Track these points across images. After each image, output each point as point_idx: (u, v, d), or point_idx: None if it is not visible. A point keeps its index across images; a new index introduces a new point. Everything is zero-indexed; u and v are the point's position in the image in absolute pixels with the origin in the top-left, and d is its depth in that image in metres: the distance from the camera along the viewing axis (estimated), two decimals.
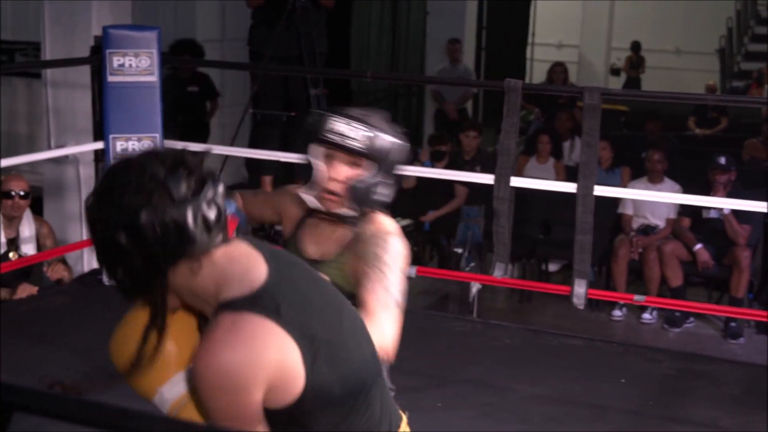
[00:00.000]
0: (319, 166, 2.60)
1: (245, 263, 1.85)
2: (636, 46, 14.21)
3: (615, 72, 14.99)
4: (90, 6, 6.17)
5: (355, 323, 2.00)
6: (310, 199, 2.62)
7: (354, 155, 2.55)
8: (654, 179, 7.01)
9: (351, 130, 2.53)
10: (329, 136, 2.55)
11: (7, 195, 5.74)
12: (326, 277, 2.09)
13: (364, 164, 2.56)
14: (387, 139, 2.55)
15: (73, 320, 5.36)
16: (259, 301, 1.79)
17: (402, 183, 2.85)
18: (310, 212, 2.69)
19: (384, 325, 2.49)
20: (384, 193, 2.60)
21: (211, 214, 1.80)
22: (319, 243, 2.69)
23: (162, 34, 5.87)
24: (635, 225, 7.08)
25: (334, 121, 2.56)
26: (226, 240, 1.85)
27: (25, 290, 5.64)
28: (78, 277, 6.05)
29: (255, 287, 1.81)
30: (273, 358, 1.77)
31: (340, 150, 2.56)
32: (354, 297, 2.40)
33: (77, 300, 5.70)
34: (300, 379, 1.80)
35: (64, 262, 6.02)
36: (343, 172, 2.57)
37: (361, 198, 2.58)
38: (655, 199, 6.52)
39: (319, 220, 2.69)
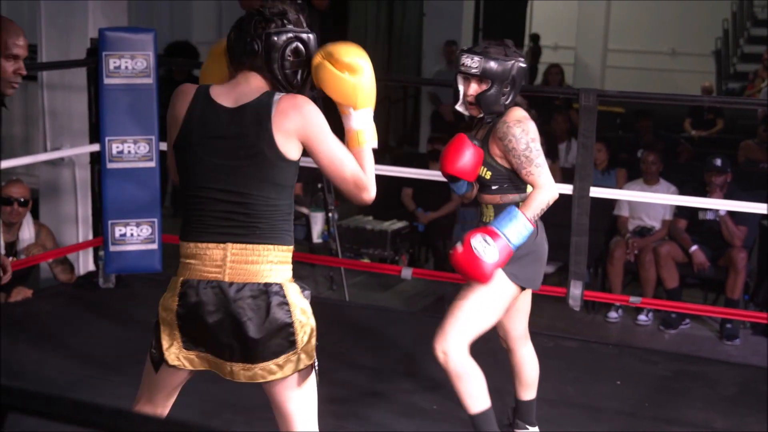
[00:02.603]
0: (460, 87, 3.59)
1: None
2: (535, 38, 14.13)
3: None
4: (86, 8, 6.17)
5: None
6: (464, 110, 3.63)
7: (471, 77, 3.55)
8: (649, 181, 7.02)
9: (469, 60, 3.54)
10: (460, 67, 3.57)
11: (7, 201, 5.75)
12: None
13: (484, 82, 3.53)
14: (494, 63, 3.52)
15: (68, 323, 5.36)
16: None
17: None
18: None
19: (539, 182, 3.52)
20: (504, 100, 3.55)
21: None
22: (476, 136, 3.67)
23: (158, 36, 5.87)
24: (631, 227, 7.09)
25: (461, 56, 3.58)
26: None
27: (20, 293, 5.64)
28: (75, 280, 6.05)
29: None
30: None
31: (466, 75, 3.56)
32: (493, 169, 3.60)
33: (73, 302, 5.70)
34: None
35: (69, 262, 6.03)
36: (471, 88, 3.58)
37: (486, 104, 3.55)
38: (651, 200, 6.53)
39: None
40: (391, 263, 7.47)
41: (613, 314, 6.84)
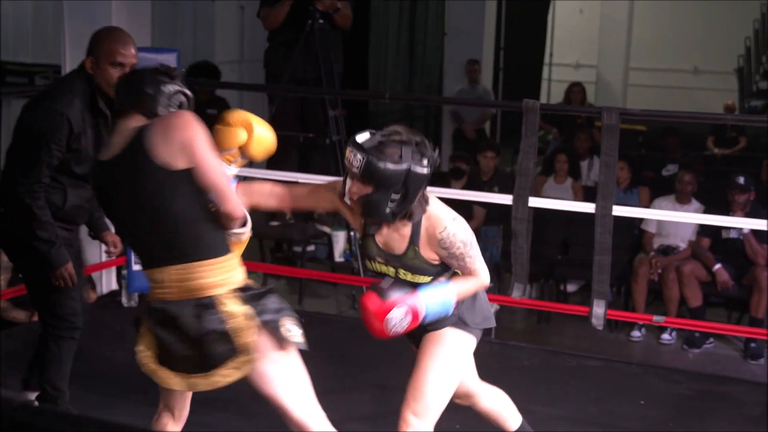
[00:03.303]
0: (347, 180, 3.15)
1: None
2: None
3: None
4: None
5: None
6: (351, 204, 3.20)
7: (356, 177, 3.10)
8: (682, 200, 6.98)
9: (352, 156, 3.07)
10: (346, 161, 3.12)
11: None
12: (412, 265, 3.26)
13: (367, 185, 3.09)
14: (380, 166, 3.03)
15: (91, 341, 5.37)
16: None
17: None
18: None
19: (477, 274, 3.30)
20: (394, 208, 3.12)
21: None
22: (388, 241, 3.29)
23: (181, 57, 5.91)
24: (655, 245, 7.05)
25: (348, 146, 3.11)
26: None
27: None
28: (97, 299, 6.07)
29: None
30: None
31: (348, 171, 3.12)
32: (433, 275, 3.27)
33: (96, 321, 5.72)
34: None
35: (90, 282, 6.05)
36: (354, 186, 3.13)
37: (369, 210, 3.15)
38: (676, 219, 6.49)
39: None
40: None
41: (636, 333, 6.80)
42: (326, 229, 7.28)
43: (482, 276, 3.32)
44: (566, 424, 4.55)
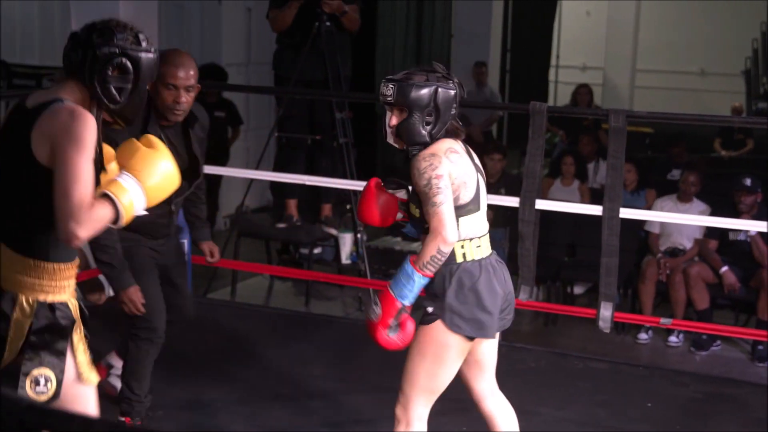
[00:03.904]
0: (386, 118, 3.35)
1: None
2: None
3: None
4: None
5: None
6: (392, 142, 3.39)
7: (389, 106, 3.31)
8: (683, 198, 6.98)
9: (384, 88, 3.30)
10: (380, 96, 3.33)
11: None
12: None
13: (402, 111, 3.29)
14: (410, 89, 3.26)
15: (101, 341, 5.37)
16: None
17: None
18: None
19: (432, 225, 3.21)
20: (430, 130, 3.31)
21: None
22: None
23: None
24: (663, 246, 7.04)
25: (381, 84, 3.33)
26: None
27: None
28: (107, 300, 6.06)
29: None
30: None
31: (384, 104, 3.34)
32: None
33: (106, 321, 5.72)
34: None
35: (99, 284, 6.04)
36: (392, 119, 3.32)
37: (406, 135, 3.32)
38: (682, 221, 6.48)
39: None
40: None
41: (643, 335, 6.79)
42: (333, 232, 7.28)
43: (436, 231, 3.18)
44: (573, 426, 4.55)
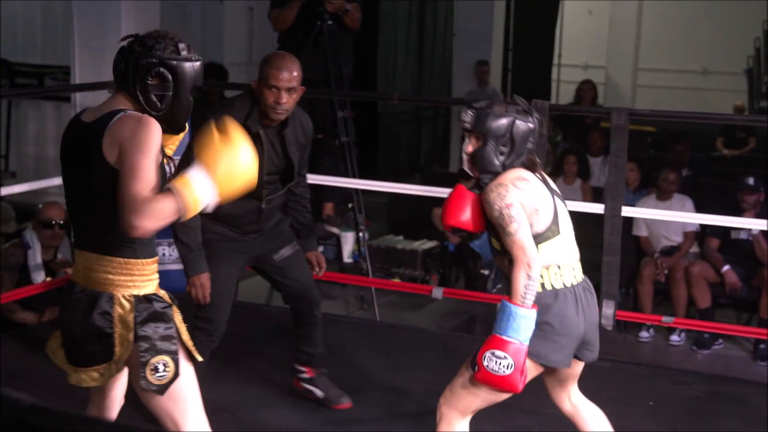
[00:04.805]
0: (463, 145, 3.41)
1: None
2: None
3: None
4: (119, 30, 6.22)
5: None
6: (467, 170, 3.43)
7: (467, 132, 3.37)
8: (662, 196, 6.98)
9: (464, 115, 3.36)
10: (460, 124, 3.42)
11: (48, 224, 5.82)
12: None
13: (479, 139, 3.34)
14: (488, 118, 3.31)
15: None
16: None
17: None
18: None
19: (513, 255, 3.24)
20: (503, 160, 3.33)
21: None
22: None
23: None
24: (658, 246, 7.04)
25: (462, 111, 3.39)
26: None
27: (54, 312, 5.67)
28: None
29: None
30: None
31: (464, 130, 3.40)
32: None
33: None
34: None
35: None
36: (468, 148, 3.37)
37: (479, 163, 3.35)
38: (678, 219, 6.48)
39: None
40: (421, 283, 7.46)
41: (644, 334, 6.79)
42: (335, 230, 7.28)
43: (519, 260, 3.20)
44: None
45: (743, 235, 6.73)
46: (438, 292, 5.89)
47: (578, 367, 3.54)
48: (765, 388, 5.20)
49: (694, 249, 7.03)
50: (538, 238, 3.28)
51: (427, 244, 7.80)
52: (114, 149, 2.79)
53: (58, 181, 6.15)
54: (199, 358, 3.08)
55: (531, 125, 3.36)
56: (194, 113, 5.90)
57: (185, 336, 3.06)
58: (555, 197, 3.40)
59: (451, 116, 12.07)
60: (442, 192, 6.28)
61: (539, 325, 3.24)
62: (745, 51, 14.40)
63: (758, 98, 13.95)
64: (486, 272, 7.63)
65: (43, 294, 5.64)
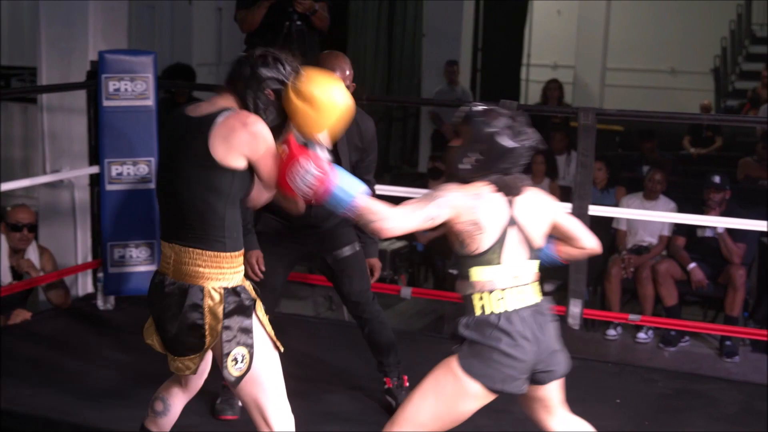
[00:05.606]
0: None
1: None
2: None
3: None
4: (86, 31, 6.20)
5: None
6: None
7: (454, 126, 3.26)
8: (649, 196, 7.02)
9: (459, 110, 3.24)
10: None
11: (15, 227, 5.78)
12: None
13: (457, 136, 3.21)
14: (470, 120, 3.17)
15: (68, 345, 5.36)
16: None
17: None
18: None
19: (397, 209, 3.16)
20: (466, 165, 3.15)
21: None
22: None
23: (158, 59, 5.90)
24: (629, 244, 7.08)
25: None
26: None
27: (19, 315, 5.64)
28: (72, 302, 6.05)
29: None
30: None
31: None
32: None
33: (72, 325, 5.70)
34: None
35: (64, 286, 6.02)
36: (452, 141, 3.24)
37: (446, 159, 3.23)
38: (651, 218, 6.53)
39: None
40: (390, 283, 7.47)
41: (611, 332, 6.83)
42: None
43: (392, 217, 3.09)
44: None
45: (709, 233, 6.78)
46: (407, 292, 5.91)
47: (550, 390, 3.39)
48: (731, 385, 5.25)
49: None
50: (477, 259, 3.16)
51: (396, 244, 7.81)
52: (221, 146, 2.97)
53: (26, 182, 6.16)
54: (281, 348, 3.21)
55: (515, 145, 3.17)
56: (161, 113, 5.89)
57: (268, 327, 3.20)
58: (512, 228, 3.18)
59: (421, 116, 12.09)
60: (413, 192, 6.29)
61: (483, 349, 3.13)
62: (712, 51, 14.53)
63: (725, 97, 14.08)
64: (454, 272, 7.64)
65: (8, 297, 5.60)
